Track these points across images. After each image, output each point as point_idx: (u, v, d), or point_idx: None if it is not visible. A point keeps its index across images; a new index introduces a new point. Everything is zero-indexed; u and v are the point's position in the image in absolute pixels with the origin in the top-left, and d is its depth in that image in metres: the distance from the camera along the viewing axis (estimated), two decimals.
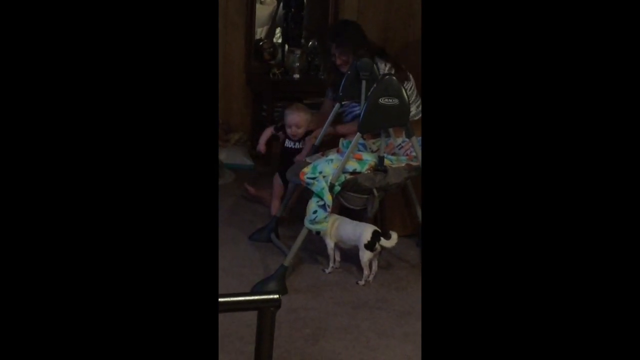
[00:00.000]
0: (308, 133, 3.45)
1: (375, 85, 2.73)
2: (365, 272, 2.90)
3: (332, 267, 3.01)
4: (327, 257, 3.03)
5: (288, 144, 3.53)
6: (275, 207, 3.47)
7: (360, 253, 2.87)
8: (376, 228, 2.89)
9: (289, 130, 3.47)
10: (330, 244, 2.96)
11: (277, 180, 3.56)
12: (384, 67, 3.22)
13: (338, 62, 3.36)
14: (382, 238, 2.86)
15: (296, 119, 3.43)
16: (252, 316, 1.31)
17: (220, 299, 1.16)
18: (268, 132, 3.61)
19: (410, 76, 3.33)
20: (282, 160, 3.51)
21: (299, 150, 3.41)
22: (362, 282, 2.90)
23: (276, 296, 1.18)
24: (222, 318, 2.41)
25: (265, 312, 1.18)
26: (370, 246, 2.84)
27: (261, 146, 3.59)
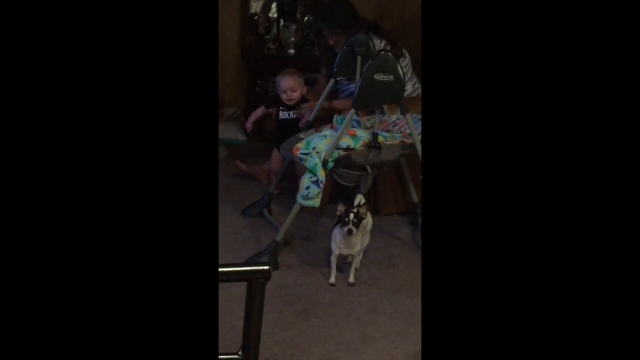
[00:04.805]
0: (303, 100, 3.42)
1: (370, 61, 2.70)
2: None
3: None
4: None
5: (282, 115, 3.49)
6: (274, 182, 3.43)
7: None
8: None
9: (284, 96, 3.44)
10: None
11: (275, 154, 3.52)
12: (379, 44, 3.19)
13: (330, 42, 3.33)
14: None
15: (290, 82, 3.42)
16: (243, 290, 1.30)
17: None
18: (259, 111, 3.60)
19: (406, 53, 3.30)
20: (279, 133, 3.44)
21: (295, 121, 3.37)
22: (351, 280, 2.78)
23: (266, 267, 1.17)
24: None
25: (255, 284, 1.17)
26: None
27: (249, 124, 3.58)
